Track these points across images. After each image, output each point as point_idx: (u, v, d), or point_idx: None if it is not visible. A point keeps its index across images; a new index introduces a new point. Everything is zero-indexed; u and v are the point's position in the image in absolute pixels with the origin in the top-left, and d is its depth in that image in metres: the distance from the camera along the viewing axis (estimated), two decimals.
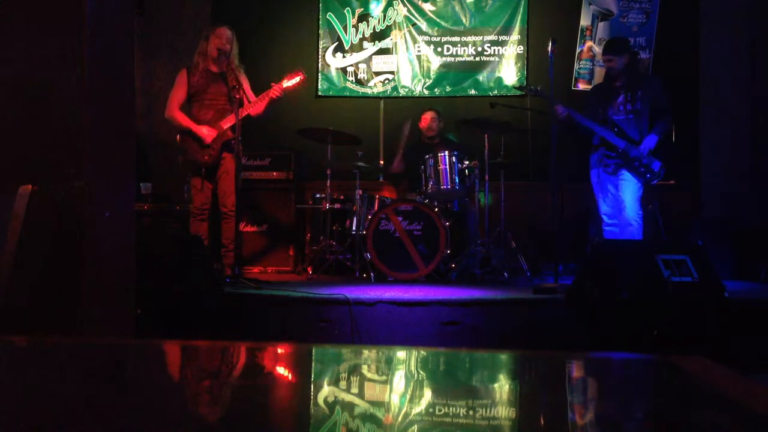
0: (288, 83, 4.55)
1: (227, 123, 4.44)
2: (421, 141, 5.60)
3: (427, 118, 5.58)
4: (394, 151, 5.57)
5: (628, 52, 4.80)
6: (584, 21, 6.11)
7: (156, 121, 5.92)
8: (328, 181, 5.02)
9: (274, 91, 4.49)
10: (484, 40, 6.22)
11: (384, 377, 0.93)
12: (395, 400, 0.80)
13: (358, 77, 6.32)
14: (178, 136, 4.55)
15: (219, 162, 4.51)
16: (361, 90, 6.32)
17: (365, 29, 6.32)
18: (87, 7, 2.15)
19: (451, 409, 0.75)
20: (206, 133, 4.43)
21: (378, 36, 6.31)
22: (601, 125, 4.68)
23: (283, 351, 1.08)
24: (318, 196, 5.38)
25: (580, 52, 6.09)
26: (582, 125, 4.68)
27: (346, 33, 6.33)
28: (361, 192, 5.01)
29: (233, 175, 4.36)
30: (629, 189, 4.65)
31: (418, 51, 6.28)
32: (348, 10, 6.32)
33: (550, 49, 4.47)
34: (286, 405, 0.74)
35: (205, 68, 4.50)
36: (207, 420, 0.69)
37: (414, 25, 6.27)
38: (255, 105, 4.47)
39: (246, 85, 4.53)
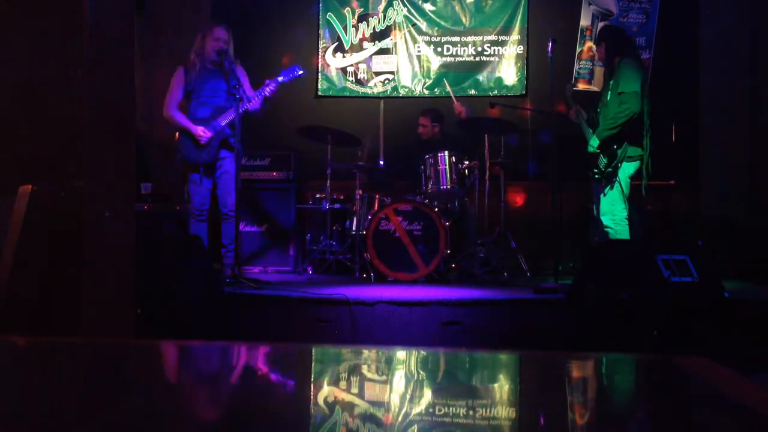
0: (283, 78, 4.54)
1: (224, 120, 4.43)
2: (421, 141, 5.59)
3: (419, 124, 5.56)
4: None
5: (605, 40, 4.48)
6: (584, 21, 6.11)
7: (156, 121, 5.91)
8: (328, 181, 5.02)
9: (269, 87, 4.48)
10: (484, 40, 6.22)
11: (384, 377, 0.93)
12: (395, 400, 0.80)
13: (358, 77, 6.31)
14: (177, 134, 4.55)
15: (217, 160, 4.50)
16: (361, 90, 6.32)
17: (365, 29, 6.31)
18: (87, 7, 2.15)
19: (451, 409, 0.75)
20: (202, 133, 4.41)
21: (378, 36, 6.31)
22: (587, 127, 4.56)
23: (283, 351, 1.08)
24: (318, 196, 5.38)
25: (580, 52, 6.08)
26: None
27: (346, 33, 6.33)
28: (361, 192, 5.01)
29: (233, 174, 4.36)
30: (598, 191, 4.44)
31: (418, 51, 6.27)
32: (348, 10, 6.32)
33: (549, 49, 4.46)
34: (286, 405, 0.74)
35: (203, 66, 4.49)
36: (207, 420, 0.69)
37: (414, 25, 6.27)
38: (252, 101, 4.47)
39: (245, 81, 4.52)
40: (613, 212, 4.32)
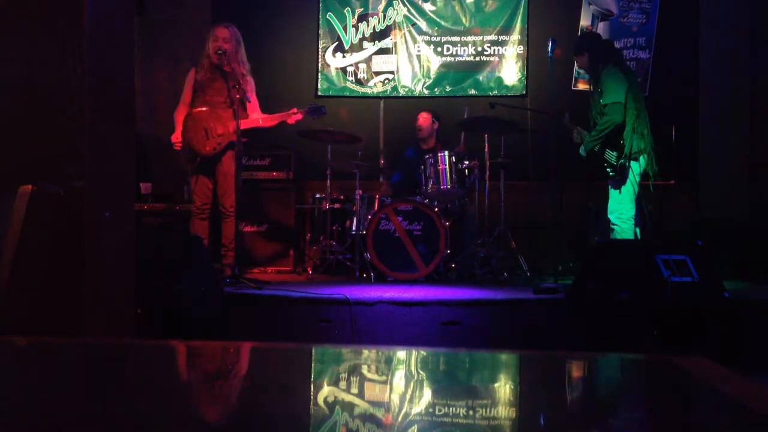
0: (306, 114, 4.58)
1: (232, 126, 4.38)
2: (417, 143, 5.58)
3: (419, 117, 5.53)
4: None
5: (588, 49, 4.45)
6: (584, 21, 6.11)
7: (156, 121, 5.92)
8: (328, 181, 5.02)
9: (291, 118, 4.52)
10: (484, 40, 6.22)
11: (384, 377, 0.93)
12: (395, 400, 0.80)
13: (358, 77, 6.31)
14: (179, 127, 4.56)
15: (219, 159, 4.50)
16: (361, 90, 6.32)
17: (365, 29, 6.31)
18: (87, 7, 2.15)
19: (451, 409, 0.75)
20: (174, 140, 4.51)
21: (378, 36, 6.31)
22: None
23: (283, 351, 1.08)
24: (318, 196, 5.38)
25: None
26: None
27: (346, 33, 6.33)
28: (361, 192, 5.01)
29: (233, 173, 4.37)
30: (610, 191, 4.46)
31: (418, 51, 6.27)
32: (348, 10, 6.32)
33: (549, 49, 4.46)
34: (286, 405, 0.74)
35: (211, 64, 4.52)
36: (207, 420, 0.69)
37: (414, 24, 6.27)
38: (266, 121, 4.50)
39: (250, 89, 4.53)
40: (620, 210, 4.33)
